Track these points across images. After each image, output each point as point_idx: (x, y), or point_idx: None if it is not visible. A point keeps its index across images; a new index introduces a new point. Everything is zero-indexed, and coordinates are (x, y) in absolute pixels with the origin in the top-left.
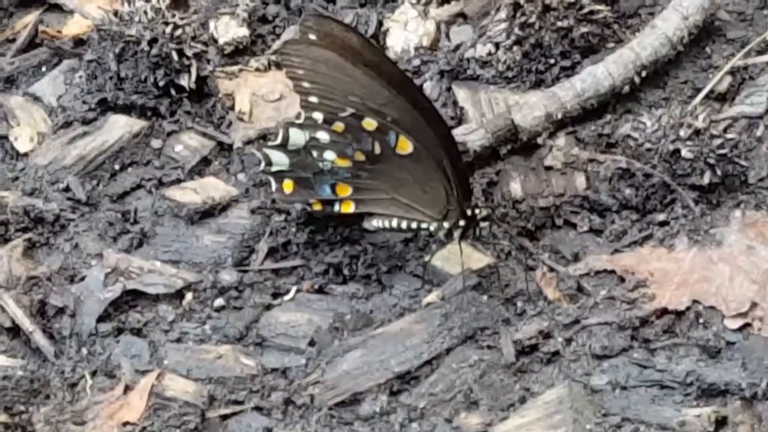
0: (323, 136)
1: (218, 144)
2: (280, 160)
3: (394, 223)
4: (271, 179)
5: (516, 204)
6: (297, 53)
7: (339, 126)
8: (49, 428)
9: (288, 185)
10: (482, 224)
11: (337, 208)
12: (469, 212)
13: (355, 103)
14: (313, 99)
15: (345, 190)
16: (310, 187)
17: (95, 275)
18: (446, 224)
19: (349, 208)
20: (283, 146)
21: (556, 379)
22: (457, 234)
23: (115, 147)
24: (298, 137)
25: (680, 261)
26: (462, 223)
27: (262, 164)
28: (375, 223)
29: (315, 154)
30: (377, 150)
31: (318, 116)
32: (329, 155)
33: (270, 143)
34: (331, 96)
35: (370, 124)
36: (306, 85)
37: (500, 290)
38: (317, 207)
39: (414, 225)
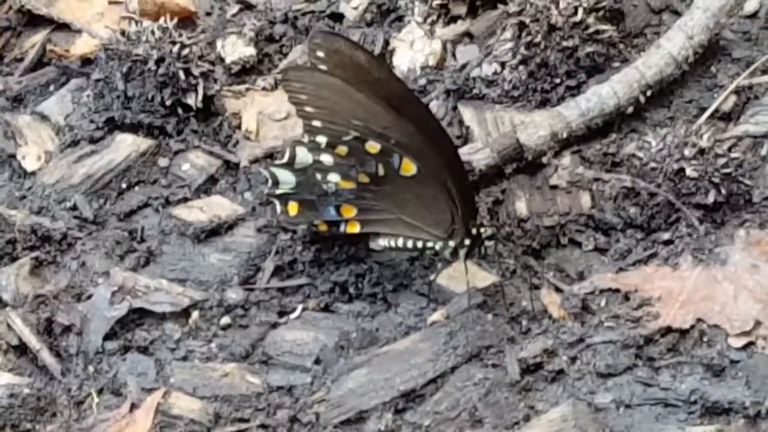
0: (327, 158)
1: (225, 163)
2: (287, 178)
3: (400, 242)
4: (276, 201)
5: (521, 223)
6: (299, 79)
7: (342, 149)
8: None
9: (293, 207)
10: (487, 243)
11: (342, 228)
12: (474, 231)
13: (359, 127)
14: (317, 123)
15: (350, 211)
16: (314, 209)
17: (102, 293)
18: (452, 243)
19: (355, 228)
20: (289, 165)
21: (561, 398)
22: (462, 253)
23: (122, 166)
24: (304, 156)
25: (685, 280)
26: (467, 242)
27: (269, 183)
28: (381, 242)
29: (319, 176)
30: (381, 172)
31: (322, 140)
32: (333, 177)
33: (276, 162)
34: (335, 120)
35: (373, 147)
36: (309, 109)
37: (505, 309)
38: (323, 228)
39: (420, 244)
